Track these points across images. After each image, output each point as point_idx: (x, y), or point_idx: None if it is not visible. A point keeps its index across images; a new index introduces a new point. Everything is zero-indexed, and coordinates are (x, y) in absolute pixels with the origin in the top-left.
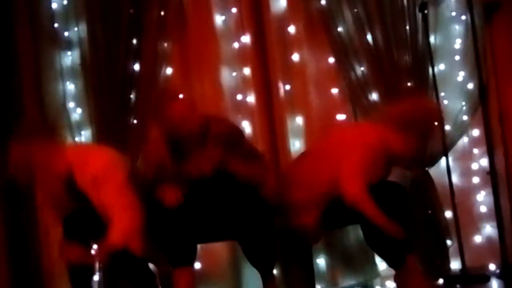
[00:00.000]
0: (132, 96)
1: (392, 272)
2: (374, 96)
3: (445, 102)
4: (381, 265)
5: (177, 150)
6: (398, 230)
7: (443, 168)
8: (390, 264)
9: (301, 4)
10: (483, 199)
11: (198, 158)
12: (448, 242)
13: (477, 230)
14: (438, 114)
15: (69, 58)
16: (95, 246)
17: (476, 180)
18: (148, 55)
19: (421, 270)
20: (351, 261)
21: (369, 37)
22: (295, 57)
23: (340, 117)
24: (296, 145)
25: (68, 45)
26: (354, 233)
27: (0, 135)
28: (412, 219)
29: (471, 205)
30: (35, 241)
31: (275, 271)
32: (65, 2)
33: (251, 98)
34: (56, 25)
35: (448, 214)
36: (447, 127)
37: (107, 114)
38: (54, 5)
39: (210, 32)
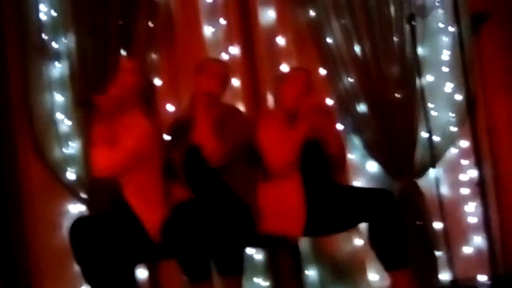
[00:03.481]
0: None
1: (384, 284)
2: (362, 108)
3: (434, 113)
4: (373, 276)
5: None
6: None
7: (432, 179)
8: (388, 265)
9: (290, 15)
10: (472, 210)
11: None
12: (438, 253)
13: (467, 241)
14: None
15: (58, 70)
16: None
17: (465, 191)
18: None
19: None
20: (342, 272)
21: (357, 48)
22: (284, 68)
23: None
24: None
25: (56, 56)
26: (345, 244)
27: None
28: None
29: (460, 216)
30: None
31: (265, 283)
32: (53, 13)
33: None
34: (44, 36)
35: (438, 225)
36: (436, 138)
37: None
38: (43, 16)
39: (199, 43)
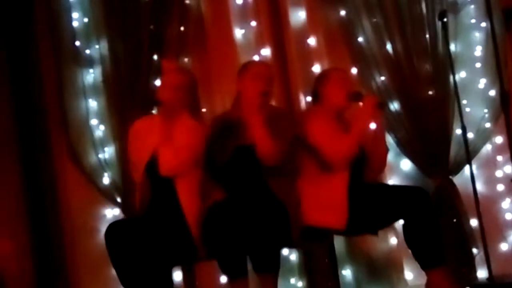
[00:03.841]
0: (154, 111)
1: (420, 282)
2: (395, 106)
3: (468, 109)
4: (408, 275)
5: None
6: None
7: (467, 176)
8: (424, 264)
9: (321, 16)
10: (508, 207)
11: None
12: (474, 250)
13: (503, 238)
14: None
15: (91, 76)
16: None
17: (500, 187)
18: None
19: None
20: (378, 271)
21: (389, 46)
22: (316, 68)
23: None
24: None
25: (89, 62)
26: (380, 243)
27: (25, 151)
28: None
29: (496, 212)
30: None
31: (300, 284)
32: (85, 20)
33: None
34: (77, 43)
35: (474, 222)
36: (470, 135)
37: None
38: (75, 23)
39: (230, 46)
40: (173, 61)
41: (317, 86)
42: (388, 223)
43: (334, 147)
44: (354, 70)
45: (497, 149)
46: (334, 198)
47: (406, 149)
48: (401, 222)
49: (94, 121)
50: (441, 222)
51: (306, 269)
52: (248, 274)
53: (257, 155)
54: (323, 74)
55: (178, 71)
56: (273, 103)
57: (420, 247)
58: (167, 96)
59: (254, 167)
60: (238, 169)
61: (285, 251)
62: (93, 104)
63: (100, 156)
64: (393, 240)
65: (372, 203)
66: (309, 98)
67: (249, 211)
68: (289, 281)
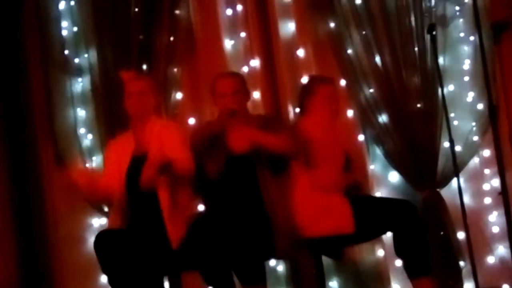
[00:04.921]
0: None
1: None
2: (384, 118)
3: (455, 122)
4: (395, 287)
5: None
6: None
7: (455, 189)
8: (412, 273)
9: (310, 27)
10: (495, 220)
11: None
12: (461, 263)
13: (490, 251)
14: None
15: (80, 85)
16: None
17: (488, 200)
18: (158, 80)
19: None
20: (365, 283)
21: (377, 59)
22: (305, 80)
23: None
24: None
25: (78, 71)
26: (367, 255)
27: (12, 159)
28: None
29: (483, 226)
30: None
31: None
32: (75, 29)
33: None
34: (66, 52)
35: (461, 235)
36: (458, 148)
37: None
38: (64, 32)
39: (219, 56)
40: (130, 71)
41: (302, 98)
42: (376, 235)
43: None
44: (342, 82)
45: (485, 162)
46: (336, 204)
47: (394, 161)
48: (388, 234)
49: (82, 130)
50: (428, 235)
51: (294, 280)
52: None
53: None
54: (308, 85)
55: (137, 78)
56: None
57: (408, 256)
58: (133, 104)
59: (247, 178)
60: (231, 180)
61: (272, 262)
62: (81, 113)
63: (88, 165)
64: (380, 252)
65: (362, 216)
66: (297, 109)
67: (233, 223)
68: None
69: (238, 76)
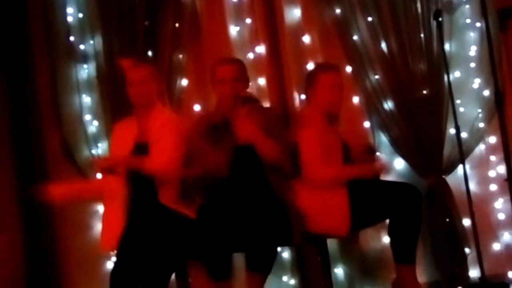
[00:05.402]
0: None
1: None
2: (389, 105)
3: (461, 109)
4: None
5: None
6: None
7: (461, 175)
8: (398, 257)
9: (316, 14)
10: (501, 207)
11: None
12: (467, 250)
13: (496, 238)
14: None
15: (85, 71)
16: None
17: (493, 187)
18: (164, 66)
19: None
20: (370, 270)
21: (383, 45)
22: (311, 66)
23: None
24: None
25: (84, 58)
26: (373, 242)
27: (18, 145)
28: (430, 228)
29: (489, 212)
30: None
31: (292, 281)
32: (80, 16)
33: None
34: (71, 38)
35: (466, 222)
36: (464, 135)
37: None
38: (70, 19)
39: (225, 43)
40: (129, 59)
41: (306, 88)
42: (380, 220)
43: (319, 169)
44: (348, 69)
45: (491, 149)
46: (335, 202)
47: (400, 148)
48: None
49: (87, 117)
50: (434, 221)
51: (299, 267)
52: (232, 276)
53: (258, 155)
54: (310, 75)
55: (137, 66)
56: (267, 101)
57: (400, 241)
58: (135, 92)
59: (254, 167)
60: (240, 171)
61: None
62: (86, 99)
63: (93, 151)
64: (386, 239)
65: (367, 200)
66: (303, 96)
67: (250, 210)
68: (281, 279)
69: (238, 63)
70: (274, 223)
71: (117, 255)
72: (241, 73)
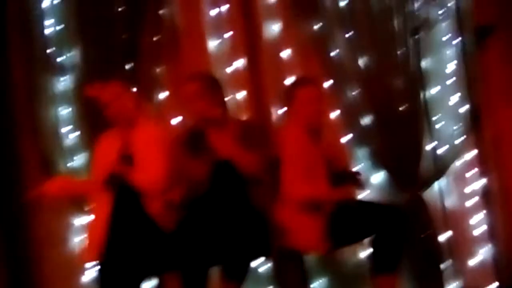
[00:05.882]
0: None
1: None
2: (367, 120)
3: (439, 125)
4: None
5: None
6: None
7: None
8: (378, 267)
9: (294, 29)
10: (478, 222)
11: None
12: (442, 265)
13: (473, 253)
14: None
15: (63, 83)
16: None
17: (470, 203)
18: (143, 79)
19: None
20: (348, 284)
21: (361, 61)
22: (289, 81)
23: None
24: None
25: (62, 70)
26: (351, 256)
27: None
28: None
29: (466, 228)
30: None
31: None
32: (58, 28)
33: None
34: (49, 50)
35: (443, 237)
36: (441, 150)
37: None
38: (48, 31)
39: (203, 56)
40: (94, 84)
41: (285, 103)
42: (362, 239)
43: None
44: (327, 84)
45: (468, 165)
46: (313, 222)
47: (378, 163)
48: None
49: (65, 129)
50: (410, 237)
51: (277, 281)
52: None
53: (237, 168)
54: (288, 92)
55: (104, 87)
56: (247, 115)
57: (382, 252)
58: (112, 112)
59: (234, 181)
60: (219, 184)
61: (255, 262)
62: (64, 111)
63: (70, 164)
64: (364, 253)
65: (350, 221)
66: (282, 110)
67: (227, 222)
68: None
69: (202, 79)
70: (251, 234)
71: (101, 266)
72: (205, 89)
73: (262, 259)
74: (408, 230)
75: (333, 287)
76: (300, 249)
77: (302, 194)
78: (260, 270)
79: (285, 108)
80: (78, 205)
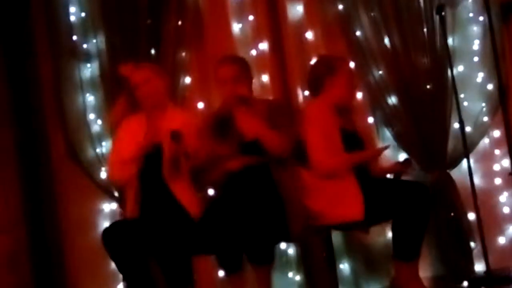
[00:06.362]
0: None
1: None
2: (393, 100)
3: (465, 103)
4: None
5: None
6: None
7: (465, 170)
8: (399, 254)
9: (318, 10)
10: (505, 200)
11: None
12: (472, 244)
13: (501, 232)
14: None
15: (89, 70)
16: None
17: (498, 181)
18: (167, 64)
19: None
20: (375, 265)
21: (386, 40)
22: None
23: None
24: None
25: (87, 57)
26: (378, 237)
27: (22, 145)
28: (435, 222)
29: (494, 206)
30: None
31: (298, 277)
32: (83, 15)
33: None
34: (74, 37)
35: (471, 216)
36: (468, 129)
37: None
38: (72, 18)
39: (227, 40)
40: (128, 63)
41: (322, 75)
42: (387, 219)
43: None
44: (352, 64)
45: (495, 143)
46: (346, 190)
47: (404, 143)
48: None
49: (91, 116)
50: (438, 216)
51: (304, 263)
52: (244, 269)
53: (264, 149)
54: (330, 64)
55: (138, 67)
56: (270, 97)
57: (404, 238)
58: (142, 94)
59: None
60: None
61: (282, 245)
62: (90, 98)
63: (98, 150)
64: (390, 234)
65: (376, 198)
66: (307, 93)
67: (247, 206)
68: (286, 275)
69: (239, 62)
70: (271, 219)
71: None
72: (242, 71)
73: (285, 242)
74: (434, 208)
75: (360, 269)
76: (338, 222)
77: (330, 165)
78: (288, 253)
79: (319, 82)
80: (106, 191)
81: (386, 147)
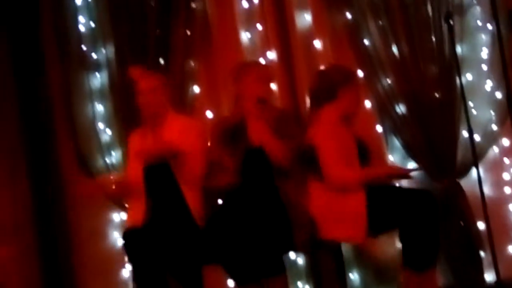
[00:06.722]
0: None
1: None
2: (402, 108)
3: (474, 112)
4: None
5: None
6: None
7: (474, 179)
8: (407, 262)
9: (326, 18)
10: None
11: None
12: (482, 253)
13: (511, 241)
14: None
15: (98, 80)
16: None
17: (508, 190)
18: (176, 74)
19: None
20: (385, 275)
21: (395, 48)
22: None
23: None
24: None
25: (96, 66)
26: (388, 247)
27: (32, 154)
28: (444, 231)
29: (503, 215)
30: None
31: (307, 287)
32: (92, 24)
33: None
34: (84, 47)
35: (481, 225)
36: (477, 138)
37: None
38: (82, 28)
39: (236, 49)
40: (139, 68)
41: (337, 83)
42: (394, 227)
43: (339, 171)
44: (360, 73)
45: (504, 152)
46: (352, 209)
47: (413, 152)
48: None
49: (101, 125)
50: (448, 225)
51: (313, 273)
52: (258, 282)
53: (268, 157)
54: (346, 73)
55: (147, 75)
56: (279, 105)
57: (411, 247)
58: (145, 102)
59: (264, 170)
60: (249, 171)
61: (292, 255)
62: (99, 108)
63: (107, 160)
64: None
65: (383, 206)
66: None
67: (251, 215)
68: (296, 285)
69: (261, 66)
70: (276, 228)
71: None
72: (271, 74)
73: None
74: (443, 217)
75: (370, 279)
76: (338, 239)
77: (346, 178)
78: (297, 263)
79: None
80: (117, 201)
81: (411, 170)
